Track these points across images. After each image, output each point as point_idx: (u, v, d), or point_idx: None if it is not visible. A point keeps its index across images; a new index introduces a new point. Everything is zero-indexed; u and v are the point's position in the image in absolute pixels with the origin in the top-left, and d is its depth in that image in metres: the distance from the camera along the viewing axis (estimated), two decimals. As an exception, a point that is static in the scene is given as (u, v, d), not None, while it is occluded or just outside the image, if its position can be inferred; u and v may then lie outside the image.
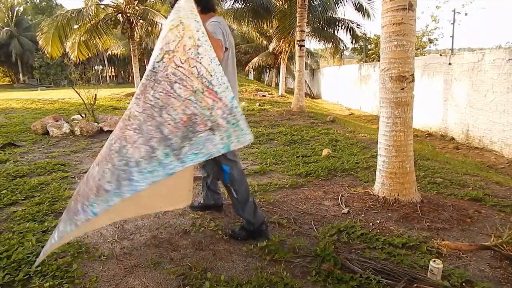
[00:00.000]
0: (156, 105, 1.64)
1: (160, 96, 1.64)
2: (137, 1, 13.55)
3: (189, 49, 1.63)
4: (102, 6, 13.44)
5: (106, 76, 35.80)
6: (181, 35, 1.63)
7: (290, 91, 18.04)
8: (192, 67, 1.64)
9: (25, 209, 2.98)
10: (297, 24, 9.71)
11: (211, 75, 1.65)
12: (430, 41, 20.92)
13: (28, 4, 40.93)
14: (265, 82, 27.93)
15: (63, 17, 12.20)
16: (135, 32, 14.10)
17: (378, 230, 2.60)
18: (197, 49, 1.64)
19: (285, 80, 17.77)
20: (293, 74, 17.27)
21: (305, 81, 20.49)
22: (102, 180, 1.62)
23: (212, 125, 1.66)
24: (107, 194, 1.61)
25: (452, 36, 21.00)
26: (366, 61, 22.33)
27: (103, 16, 13.17)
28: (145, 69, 1.79)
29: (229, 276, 2.03)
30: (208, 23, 2.25)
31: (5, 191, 3.41)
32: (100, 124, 6.76)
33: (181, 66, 1.63)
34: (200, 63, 1.64)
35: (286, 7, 12.23)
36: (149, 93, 1.65)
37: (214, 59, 1.67)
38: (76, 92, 7.52)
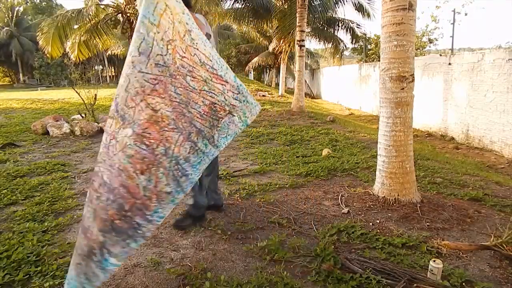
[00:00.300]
0: (181, 102, 1.67)
1: (181, 92, 1.67)
2: (137, 1, 13.54)
3: (184, 35, 1.63)
4: (102, 6, 13.43)
5: (106, 76, 35.85)
6: (172, 21, 1.60)
7: (290, 91, 18.05)
8: (193, 55, 1.66)
9: (25, 209, 2.99)
10: (297, 24, 9.72)
11: (211, 60, 1.71)
12: (430, 41, 20.91)
13: (28, 4, 40.93)
14: (265, 82, 27.93)
15: (63, 17, 12.20)
16: (135, 32, 14.09)
17: (378, 230, 2.60)
18: (190, 35, 1.65)
19: (285, 80, 17.76)
20: (293, 74, 17.27)
21: (305, 81, 20.49)
22: (160, 185, 1.63)
23: (229, 108, 1.81)
24: (170, 196, 1.66)
25: (452, 36, 21.03)
26: (366, 61, 22.33)
27: (103, 16, 13.16)
28: None
29: (229, 276, 2.03)
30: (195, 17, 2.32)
31: (5, 191, 3.41)
32: (100, 124, 6.76)
33: (185, 57, 1.64)
34: (197, 49, 1.67)
35: (286, 7, 12.24)
36: (171, 91, 1.65)
37: (206, 41, 1.70)
38: (76, 92, 7.53)
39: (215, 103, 1.75)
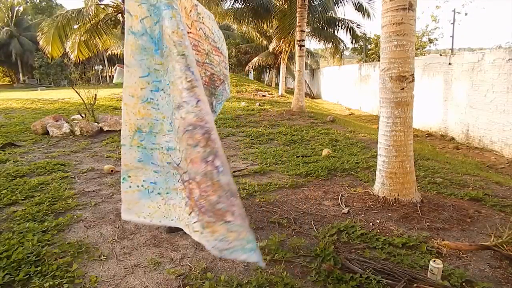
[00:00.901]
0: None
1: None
2: (137, 1, 13.49)
3: (190, 11, 1.63)
4: (102, 6, 13.43)
5: (106, 76, 35.83)
6: None
7: (290, 91, 18.04)
8: (199, 29, 1.69)
9: (25, 209, 2.98)
10: (297, 24, 9.72)
11: (213, 33, 1.80)
12: (430, 41, 20.91)
13: (28, 4, 40.92)
14: (265, 82, 27.93)
15: (63, 17, 12.20)
16: (135, 32, 14.05)
17: (378, 230, 2.60)
18: (196, 9, 1.66)
19: (285, 80, 17.75)
20: (293, 74, 17.27)
21: (305, 81, 20.48)
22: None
23: (223, 77, 2.00)
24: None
25: (452, 36, 21.07)
26: (366, 61, 22.33)
27: (103, 16, 13.16)
28: None
29: (229, 276, 2.03)
30: None
31: (5, 191, 3.41)
32: (100, 124, 6.76)
33: (190, 32, 1.65)
34: (203, 23, 1.71)
35: (286, 7, 12.23)
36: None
37: (210, 15, 1.78)
38: (76, 92, 7.53)
39: (214, 74, 1.90)
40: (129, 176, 1.72)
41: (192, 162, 1.44)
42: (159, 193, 1.74)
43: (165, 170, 1.71)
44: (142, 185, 1.73)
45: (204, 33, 1.72)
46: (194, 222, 1.54)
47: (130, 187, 1.73)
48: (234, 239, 1.43)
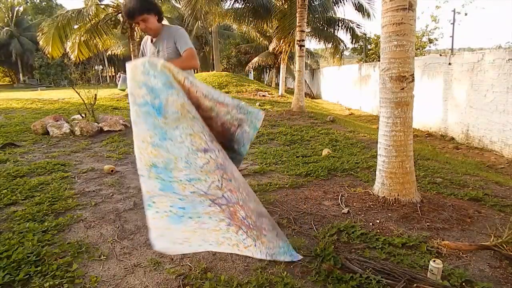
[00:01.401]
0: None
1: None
2: (137, 1, 13.46)
3: (184, 81, 1.85)
4: (102, 6, 13.44)
5: (106, 76, 35.84)
6: (172, 73, 1.80)
7: (290, 91, 18.04)
8: (196, 92, 1.91)
9: (25, 209, 2.99)
10: (297, 24, 9.71)
11: (210, 92, 1.99)
12: (430, 41, 20.90)
13: (28, 4, 40.94)
14: (265, 82, 27.91)
15: (63, 17, 12.22)
16: (135, 32, 14.08)
17: (378, 230, 2.60)
18: (189, 78, 1.88)
19: (285, 80, 17.74)
20: (293, 74, 17.26)
21: (305, 81, 20.48)
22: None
23: (238, 122, 2.13)
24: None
25: (452, 36, 21.08)
26: (366, 61, 22.33)
27: (103, 16, 13.16)
28: None
29: (229, 276, 2.03)
30: (175, 29, 2.47)
31: (5, 191, 3.41)
32: (100, 124, 6.76)
33: (190, 98, 1.86)
34: (198, 86, 1.92)
35: (286, 7, 12.22)
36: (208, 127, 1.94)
37: (201, 83, 1.98)
38: (76, 92, 7.52)
39: (224, 122, 2.08)
40: (154, 202, 1.74)
41: (232, 191, 1.83)
42: (190, 217, 1.80)
43: (190, 199, 1.79)
44: (171, 211, 1.77)
45: (202, 93, 1.93)
46: (245, 239, 1.86)
47: (157, 212, 1.74)
48: (273, 246, 1.94)
